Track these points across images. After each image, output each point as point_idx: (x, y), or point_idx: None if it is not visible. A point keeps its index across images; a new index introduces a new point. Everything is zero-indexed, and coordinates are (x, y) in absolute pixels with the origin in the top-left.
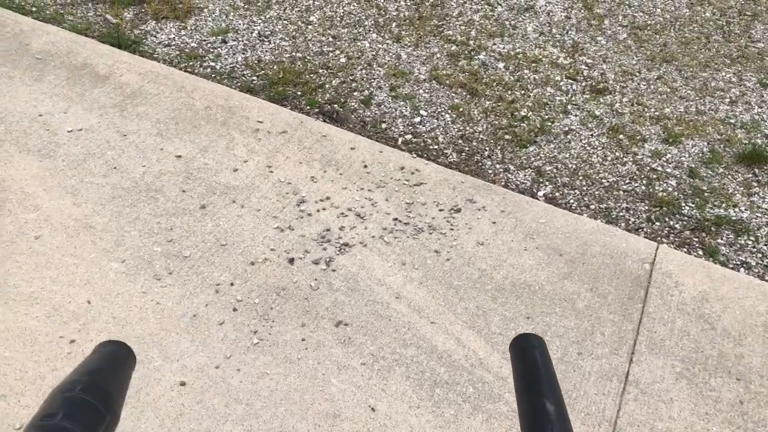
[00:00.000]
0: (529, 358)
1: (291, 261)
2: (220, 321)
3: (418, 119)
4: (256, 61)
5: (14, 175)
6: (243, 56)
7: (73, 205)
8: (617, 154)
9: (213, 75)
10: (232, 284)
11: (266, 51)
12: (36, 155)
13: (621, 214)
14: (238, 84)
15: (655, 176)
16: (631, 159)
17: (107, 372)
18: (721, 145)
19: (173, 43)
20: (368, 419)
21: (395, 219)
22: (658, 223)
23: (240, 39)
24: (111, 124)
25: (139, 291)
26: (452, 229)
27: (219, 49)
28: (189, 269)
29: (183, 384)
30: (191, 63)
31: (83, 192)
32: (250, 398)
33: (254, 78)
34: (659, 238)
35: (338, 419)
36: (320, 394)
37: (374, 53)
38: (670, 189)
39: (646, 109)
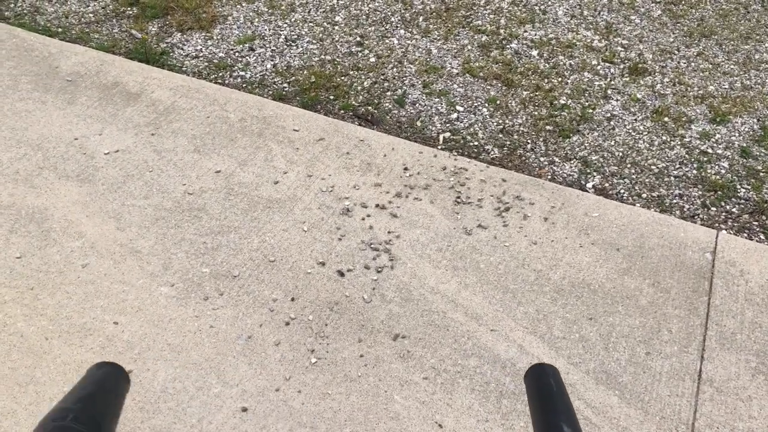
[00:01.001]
0: (544, 386)
1: (341, 274)
2: (276, 341)
3: (455, 115)
4: (285, 68)
5: (56, 203)
6: (272, 63)
7: (117, 230)
8: (664, 138)
9: (243, 84)
10: (284, 302)
11: (295, 56)
12: (75, 181)
13: (675, 201)
14: (270, 92)
15: (705, 159)
16: (679, 142)
17: (99, 398)
18: None
19: (201, 54)
20: None
21: (442, 222)
22: (714, 209)
23: (267, 45)
24: (147, 143)
25: (192, 315)
26: (503, 229)
27: (247, 57)
28: (239, 289)
29: (245, 410)
30: (221, 74)
31: (126, 215)
32: (314, 420)
33: (285, 85)
34: (717, 225)
35: None
36: (384, 412)
37: (404, 50)
38: (723, 171)
39: (689, 88)
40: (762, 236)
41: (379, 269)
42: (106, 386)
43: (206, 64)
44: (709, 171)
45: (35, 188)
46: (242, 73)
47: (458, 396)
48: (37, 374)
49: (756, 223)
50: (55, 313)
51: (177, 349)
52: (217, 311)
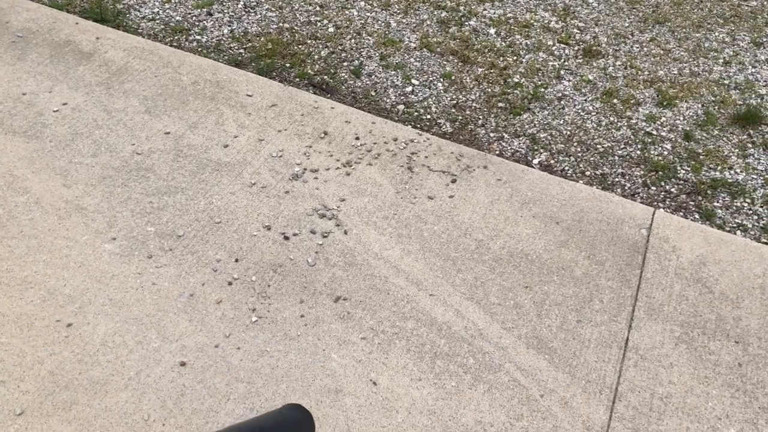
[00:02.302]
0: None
1: (286, 237)
2: (217, 300)
3: (409, 89)
4: (242, 33)
5: (1, 157)
6: (229, 29)
7: (63, 187)
8: (611, 118)
9: (199, 49)
10: (227, 262)
11: (253, 23)
12: (22, 136)
13: (617, 179)
14: (226, 57)
15: (650, 140)
16: (626, 123)
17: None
18: (716, 107)
19: (158, 17)
20: (370, 393)
21: (390, 191)
22: (654, 188)
23: (225, 11)
24: (98, 102)
25: (134, 272)
26: (448, 200)
27: (204, 22)
28: (184, 248)
29: (183, 364)
30: (176, 37)
31: (73, 173)
32: (252, 376)
33: (241, 51)
34: (656, 203)
35: (340, 394)
36: (321, 369)
37: (363, 22)
38: (666, 153)
39: (639, 72)
40: (697, 215)
41: (325, 234)
42: (287, 427)
43: (162, 26)
44: (652, 152)
45: None
46: (198, 37)
47: (394, 356)
48: None
49: (692, 203)
50: None
51: (118, 305)
52: (160, 269)
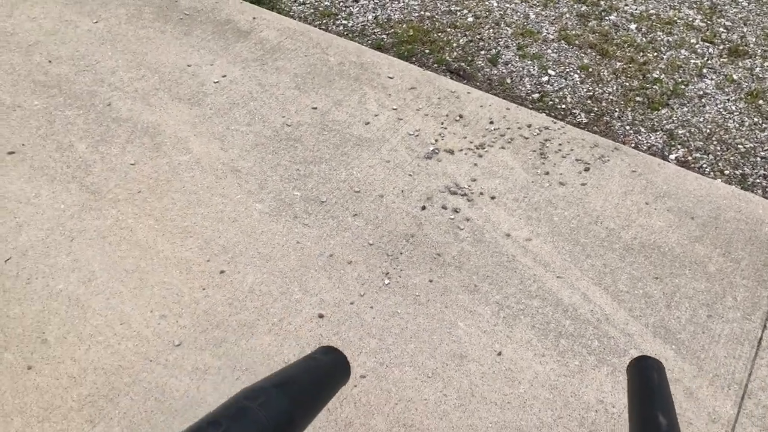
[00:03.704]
0: (646, 378)
1: (421, 209)
2: (354, 261)
3: (545, 78)
4: (385, 20)
5: (168, 120)
6: (373, 15)
7: (220, 150)
8: (756, 119)
9: (345, 33)
10: (365, 228)
11: (395, 10)
12: (186, 103)
13: (758, 181)
14: (369, 42)
15: None
16: None
17: (306, 387)
18: None
19: (308, 1)
20: (494, 362)
21: (521, 175)
22: None
23: None
24: (253, 76)
25: (281, 230)
26: (581, 187)
27: (351, 8)
28: (326, 213)
29: (321, 316)
30: (325, 21)
31: (229, 138)
32: (383, 334)
33: (384, 36)
34: None
35: (465, 360)
36: (448, 335)
37: (502, 12)
38: None
39: None
40: None
41: (456, 210)
42: (319, 377)
43: (312, 10)
44: None
45: (151, 106)
46: (345, 21)
47: (518, 330)
48: (142, 264)
49: None
50: (161, 214)
51: (265, 258)
52: (304, 230)
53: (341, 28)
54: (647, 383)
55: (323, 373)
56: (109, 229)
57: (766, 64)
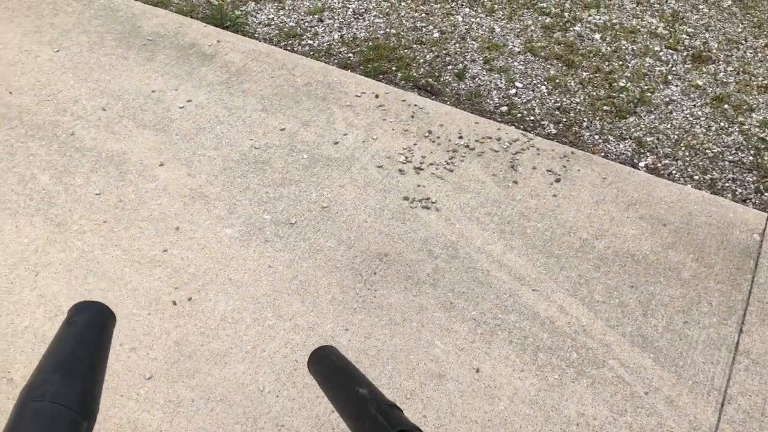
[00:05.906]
0: (329, 364)
1: (392, 229)
2: (327, 284)
3: (513, 91)
4: (351, 39)
5: (133, 148)
6: (339, 34)
7: (187, 176)
8: (722, 124)
9: (311, 52)
10: (337, 249)
11: (361, 28)
12: (152, 129)
13: (727, 185)
14: (336, 61)
15: (764, 146)
16: (738, 129)
17: (81, 357)
18: None
19: (273, 22)
20: (473, 380)
21: (493, 188)
22: (767, 194)
23: (336, 17)
24: (219, 100)
25: (252, 255)
26: (552, 199)
27: (316, 27)
28: (297, 235)
29: (295, 342)
30: (290, 41)
31: (196, 164)
32: (359, 356)
33: (350, 54)
34: None
35: (443, 379)
36: (425, 354)
37: (467, 27)
38: None
39: (753, 77)
40: None
41: (428, 227)
42: (89, 338)
43: (277, 31)
44: (766, 158)
45: (115, 134)
46: (310, 41)
47: (496, 346)
48: (109, 296)
49: None
50: (128, 244)
51: (237, 284)
52: (276, 254)
53: (307, 48)
54: (332, 367)
55: (91, 332)
56: (75, 262)
57: (729, 68)
